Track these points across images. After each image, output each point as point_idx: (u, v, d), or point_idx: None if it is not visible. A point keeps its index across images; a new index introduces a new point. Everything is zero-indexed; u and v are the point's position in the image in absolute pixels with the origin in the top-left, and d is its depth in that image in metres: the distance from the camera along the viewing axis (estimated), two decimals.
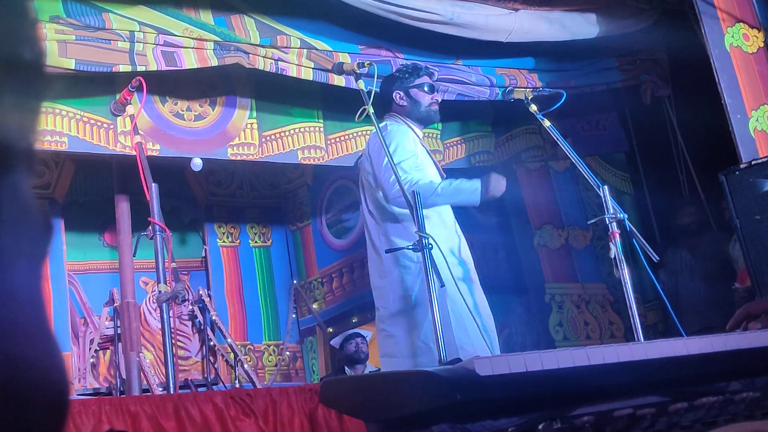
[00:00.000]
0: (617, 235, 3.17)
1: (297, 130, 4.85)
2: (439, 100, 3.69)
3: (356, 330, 6.21)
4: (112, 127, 4.21)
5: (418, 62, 3.97)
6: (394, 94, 3.64)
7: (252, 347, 6.74)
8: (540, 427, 1.24)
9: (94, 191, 6.43)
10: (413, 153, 3.46)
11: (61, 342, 5.72)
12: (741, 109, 4.41)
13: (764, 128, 4.40)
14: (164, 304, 3.15)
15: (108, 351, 5.96)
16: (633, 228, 3.24)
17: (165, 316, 3.16)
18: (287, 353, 6.89)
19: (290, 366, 6.90)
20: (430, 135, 5.25)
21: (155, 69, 4.02)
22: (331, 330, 6.74)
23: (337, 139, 4.96)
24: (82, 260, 6.33)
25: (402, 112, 3.64)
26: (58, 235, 6.00)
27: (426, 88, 3.64)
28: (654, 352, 1.47)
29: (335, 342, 6.19)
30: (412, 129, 3.60)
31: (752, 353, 1.55)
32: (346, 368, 6.01)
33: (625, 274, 3.14)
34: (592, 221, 3.49)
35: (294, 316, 7.03)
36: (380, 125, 3.29)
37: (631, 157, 5.89)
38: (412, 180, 3.28)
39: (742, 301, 4.39)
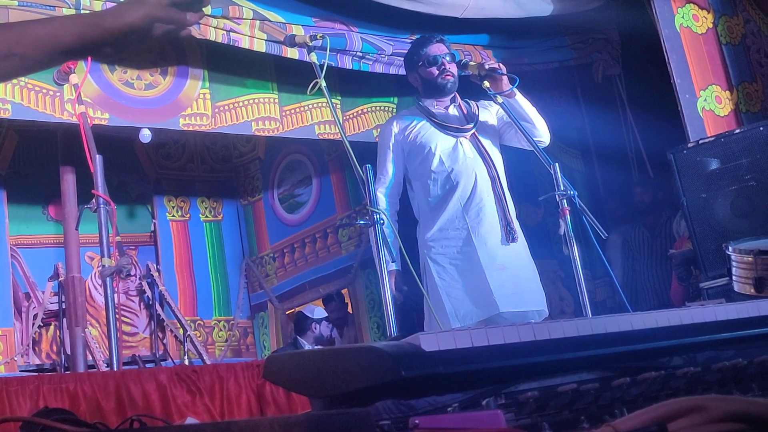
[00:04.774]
0: (567, 212, 3.19)
1: (251, 101, 4.78)
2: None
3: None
4: (58, 94, 4.09)
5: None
6: None
7: (202, 323, 6.66)
8: (483, 402, 1.24)
9: (38, 163, 6.26)
10: None
11: (3, 317, 5.59)
12: (690, 89, 4.47)
13: (712, 108, 4.46)
14: (108, 279, 3.08)
15: (51, 327, 5.83)
16: (583, 205, 3.26)
17: (109, 291, 3.09)
18: (238, 329, 6.83)
19: (241, 342, 6.85)
20: (386, 108, 5.21)
21: None
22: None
23: (292, 111, 4.90)
24: (26, 233, 6.17)
25: None
26: (0, 207, 5.83)
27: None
28: (599, 327, 1.48)
29: (316, 314, 6.01)
30: None
31: (694, 329, 1.57)
32: (299, 340, 5.88)
33: (575, 250, 3.17)
34: (543, 198, 3.50)
35: (245, 290, 6.97)
36: None
37: (582, 134, 5.93)
38: None
39: (678, 267, 4.46)
